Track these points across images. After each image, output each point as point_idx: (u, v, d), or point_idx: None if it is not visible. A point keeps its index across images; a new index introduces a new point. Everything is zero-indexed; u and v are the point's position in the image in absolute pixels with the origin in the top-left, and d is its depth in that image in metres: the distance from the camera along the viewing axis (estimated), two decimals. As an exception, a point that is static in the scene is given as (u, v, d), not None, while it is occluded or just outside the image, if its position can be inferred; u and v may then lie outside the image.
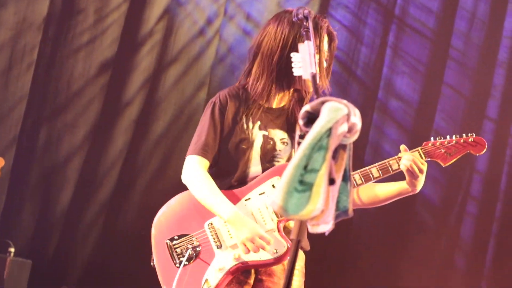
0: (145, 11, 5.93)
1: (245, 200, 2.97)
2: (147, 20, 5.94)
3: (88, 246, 5.79)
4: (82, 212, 5.80)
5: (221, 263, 2.93)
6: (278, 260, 2.91)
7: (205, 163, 3.01)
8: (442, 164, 3.01)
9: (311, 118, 1.65)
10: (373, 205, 3.12)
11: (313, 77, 2.29)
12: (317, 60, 2.95)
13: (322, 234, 1.68)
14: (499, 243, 5.37)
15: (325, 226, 1.64)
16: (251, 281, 2.99)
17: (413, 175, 2.92)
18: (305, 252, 3.04)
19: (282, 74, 2.98)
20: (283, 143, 3.05)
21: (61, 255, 5.76)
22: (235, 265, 2.92)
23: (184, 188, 3.04)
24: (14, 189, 5.72)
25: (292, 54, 2.68)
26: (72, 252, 5.78)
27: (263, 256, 2.90)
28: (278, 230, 2.93)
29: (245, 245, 2.87)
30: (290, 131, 3.07)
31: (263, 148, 3.02)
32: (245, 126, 3.03)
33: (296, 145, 1.71)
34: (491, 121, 5.52)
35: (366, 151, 5.63)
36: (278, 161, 3.04)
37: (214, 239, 2.96)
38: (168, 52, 5.96)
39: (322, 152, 1.59)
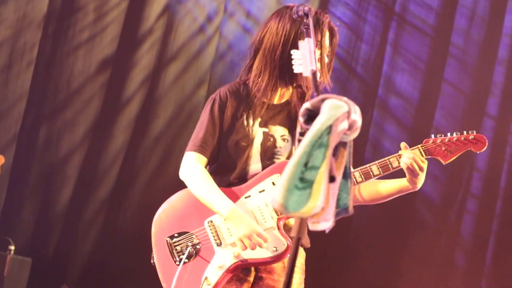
0: (145, 9, 5.93)
1: (245, 198, 2.96)
2: (147, 17, 5.93)
3: (88, 244, 5.79)
4: (82, 210, 5.80)
5: (221, 261, 2.92)
6: (277, 258, 2.90)
7: (203, 159, 3.00)
8: (442, 161, 3.00)
9: (311, 115, 1.65)
10: (374, 202, 3.12)
11: (313, 74, 2.29)
12: (318, 56, 2.96)
13: (323, 232, 1.68)
14: (499, 241, 5.37)
15: (326, 224, 1.64)
16: (251, 278, 2.98)
17: (414, 173, 2.92)
18: (305, 249, 3.03)
19: (284, 70, 2.96)
20: (284, 140, 3.03)
21: (61, 253, 5.76)
22: (235, 263, 2.91)
23: (184, 185, 3.04)
24: (14, 187, 5.72)
25: (292, 51, 2.68)
26: (72, 250, 5.78)
27: (263, 254, 2.89)
28: (278, 228, 2.92)
29: (242, 242, 2.87)
30: (291, 128, 3.05)
31: (263, 145, 3.01)
32: (245, 123, 3.02)
33: (296, 142, 1.70)
34: (491, 118, 5.51)
35: (366, 149, 5.63)
36: (278, 158, 3.02)
37: (214, 237, 2.96)
38: (168, 49, 5.96)
39: (323, 149, 1.59)
